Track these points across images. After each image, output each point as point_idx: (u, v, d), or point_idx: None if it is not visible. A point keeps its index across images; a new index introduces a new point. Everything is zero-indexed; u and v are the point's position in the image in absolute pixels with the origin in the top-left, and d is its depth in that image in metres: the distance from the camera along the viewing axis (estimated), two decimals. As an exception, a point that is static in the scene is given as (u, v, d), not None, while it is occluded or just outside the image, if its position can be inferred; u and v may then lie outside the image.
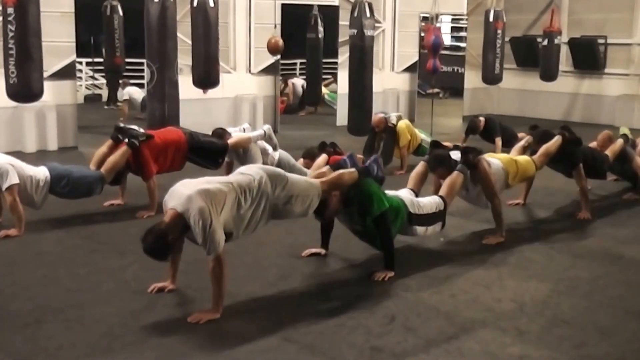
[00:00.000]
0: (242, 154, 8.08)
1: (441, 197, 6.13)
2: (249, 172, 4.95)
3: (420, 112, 15.38)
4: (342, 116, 12.40)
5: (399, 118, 10.00)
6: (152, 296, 4.97)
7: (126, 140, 7.17)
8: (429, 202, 6.03)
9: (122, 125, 7.44)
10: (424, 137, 10.35)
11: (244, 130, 8.45)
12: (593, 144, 8.63)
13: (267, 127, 8.52)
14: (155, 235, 4.47)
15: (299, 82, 16.83)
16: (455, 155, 6.50)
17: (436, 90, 15.89)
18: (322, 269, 5.74)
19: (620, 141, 8.43)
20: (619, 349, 4.37)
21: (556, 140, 7.36)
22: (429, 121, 12.68)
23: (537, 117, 16.03)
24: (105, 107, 15.24)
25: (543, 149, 7.31)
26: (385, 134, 9.87)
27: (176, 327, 4.48)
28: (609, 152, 8.23)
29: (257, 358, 4.14)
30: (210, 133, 8.17)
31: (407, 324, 4.64)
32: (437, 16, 13.61)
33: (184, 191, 4.59)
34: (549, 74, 15.17)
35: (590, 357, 4.26)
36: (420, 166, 6.53)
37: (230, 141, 7.96)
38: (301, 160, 8.92)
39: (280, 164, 8.33)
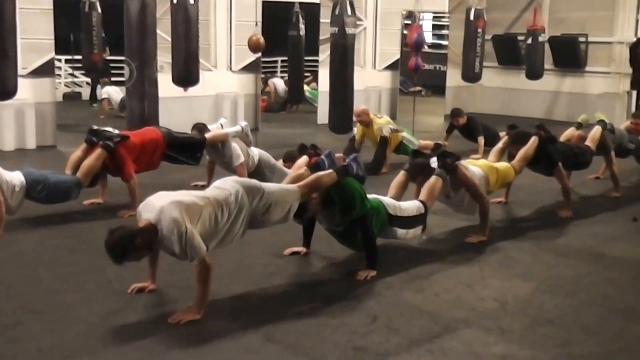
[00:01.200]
0: (220, 149, 8.06)
1: (421, 201, 6.14)
2: (225, 187, 4.92)
3: (402, 110, 15.40)
4: (323, 114, 12.38)
5: (394, 131, 9.92)
6: (133, 296, 4.93)
7: (101, 142, 7.11)
8: (410, 206, 6.04)
9: (95, 127, 7.36)
10: (404, 134, 10.35)
11: (222, 125, 8.43)
12: (569, 132, 8.66)
13: (244, 124, 8.52)
14: (124, 231, 4.44)
15: (280, 82, 16.83)
16: (435, 163, 6.48)
17: (418, 88, 15.92)
18: (304, 268, 5.73)
19: (597, 129, 8.42)
20: (603, 347, 4.38)
21: (532, 142, 7.36)
22: (411, 119, 12.68)
23: (520, 116, 16.08)
24: (94, 105, 15.19)
25: (521, 153, 7.31)
26: (378, 143, 9.84)
27: (157, 327, 4.44)
28: (589, 142, 8.24)
29: (239, 358, 4.12)
30: (190, 131, 8.16)
31: (390, 323, 4.62)
32: (419, 14, 13.61)
33: (158, 203, 4.58)
34: (534, 72, 15.21)
35: (574, 356, 4.26)
36: (400, 175, 6.52)
37: (207, 135, 7.96)
38: (281, 162, 8.92)
39: (260, 164, 8.32)
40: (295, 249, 5.94)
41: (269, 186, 5.11)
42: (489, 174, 6.90)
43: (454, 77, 16.22)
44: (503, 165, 7.26)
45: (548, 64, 15.95)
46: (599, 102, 15.29)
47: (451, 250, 6.26)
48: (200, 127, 8.13)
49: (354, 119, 10.04)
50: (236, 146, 8.08)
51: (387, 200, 5.92)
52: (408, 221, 5.93)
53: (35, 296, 4.98)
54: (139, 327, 4.48)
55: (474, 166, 6.90)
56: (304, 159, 8.70)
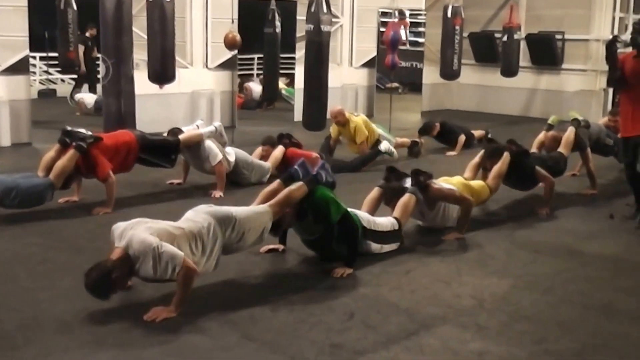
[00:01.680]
0: (196, 150, 8.04)
1: (395, 218, 6.16)
2: (197, 219, 4.90)
3: (379, 107, 15.44)
4: (300, 111, 12.37)
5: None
6: (108, 295, 4.90)
7: (73, 143, 7.06)
8: (384, 221, 6.06)
9: (69, 128, 7.31)
10: (381, 132, 10.38)
11: (198, 127, 8.42)
12: (540, 137, 8.69)
13: (217, 124, 8.52)
14: (99, 271, 4.46)
15: (256, 86, 16.80)
16: (408, 182, 6.50)
17: (395, 85, 15.97)
18: (280, 265, 5.72)
19: (571, 130, 8.46)
20: (579, 343, 4.41)
21: (505, 158, 7.40)
22: (388, 116, 12.71)
23: (496, 113, 16.22)
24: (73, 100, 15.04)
25: (495, 171, 7.34)
26: (369, 153, 9.87)
27: (133, 325, 4.42)
28: (562, 148, 8.29)
29: (216, 356, 4.11)
30: (166, 131, 8.16)
31: (367, 320, 4.63)
32: (400, 12, 13.64)
33: (130, 231, 4.60)
34: (510, 70, 15.29)
35: (550, 352, 4.29)
36: (375, 192, 6.53)
37: (181, 137, 7.94)
38: (259, 149, 8.97)
39: (237, 164, 8.32)
40: (272, 246, 5.93)
41: (240, 214, 5.06)
42: (462, 192, 6.90)
43: (430, 75, 16.30)
44: (478, 183, 7.25)
45: (525, 61, 16.07)
46: (576, 100, 15.45)
47: (428, 247, 6.28)
48: (175, 131, 8.13)
49: (331, 119, 10.06)
50: (212, 145, 8.06)
51: (361, 213, 5.95)
52: (382, 236, 5.96)
53: (10, 294, 4.94)
54: (114, 324, 4.45)
55: (448, 184, 6.89)
56: (279, 151, 8.84)
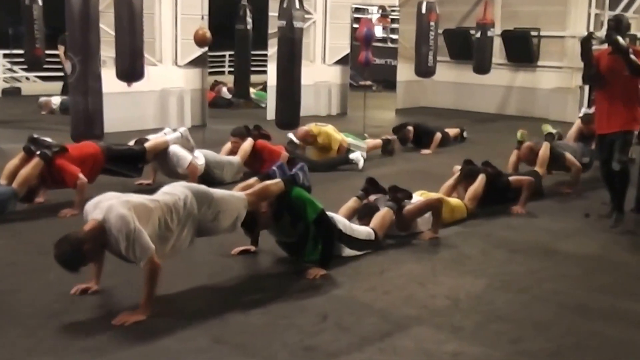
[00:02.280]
0: (163, 157, 8.04)
1: (372, 229, 6.21)
2: (174, 192, 4.93)
3: (353, 105, 15.48)
4: (272, 110, 12.37)
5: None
6: (75, 297, 4.88)
7: (38, 152, 7.03)
8: (361, 229, 6.11)
9: (35, 136, 7.29)
10: (351, 140, 10.36)
11: (165, 134, 8.45)
12: (512, 159, 8.75)
13: (183, 129, 8.53)
14: (70, 242, 4.42)
15: (226, 90, 16.78)
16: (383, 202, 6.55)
17: (368, 82, 16.00)
18: (252, 267, 5.73)
19: (545, 146, 8.57)
20: (555, 343, 4.47)
21: (481, 179, 7.49)
22: (362, 114, 12.74)
23: (472, 110, 16.33)
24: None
25: (471, 193, 7.43)
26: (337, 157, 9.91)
27: (101, 329, 4.41)
28: (538, 167, 8.39)
29: (187, 359, 4.11)
30: (133, 139, 8.22)
31: (340, 322, 4.65)
32: (382, 9, 13.66)
33: (106, 202, 4.57)
34: (482, 67, 15.39)
35: (525, 352, 4.34)
36: (351, 201, 6.61)
37: (147, 145, 7.97)
38: (228, 143, 9.01)
39: (207, 166, 8.34)
40: (243, 247, 5.94)
41: (217, 193, 5.13)
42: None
43: (404, 72, 16.35)
44: (456, 202, 7.32)
45: (500, 58, 16.19)
46: (551, 97, 15.60)
47: (403, 247, 6.32)
48: (140, 140, 8.15)
49: (298, 141, 10.06)
50: (179, 149, 8.09)
51: (338, 217, 5.99)
52: (358, 243, 5.99)
53: (-27, 299, 4.90)
54: (82, 329, 4.43)
55: (424, 198, 6.94)
56: (248, 143, 8.89)
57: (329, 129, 10.08)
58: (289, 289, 5.24)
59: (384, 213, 6.34)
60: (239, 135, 9.08)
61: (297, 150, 9.83)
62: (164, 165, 8.14)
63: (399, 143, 11.24)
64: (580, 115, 9.50)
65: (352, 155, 9.74)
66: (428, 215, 6.67)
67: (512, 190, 7.74)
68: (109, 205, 4.51)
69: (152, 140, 8.12)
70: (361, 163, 9.64)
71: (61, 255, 4.41)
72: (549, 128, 9.13)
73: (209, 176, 8.32)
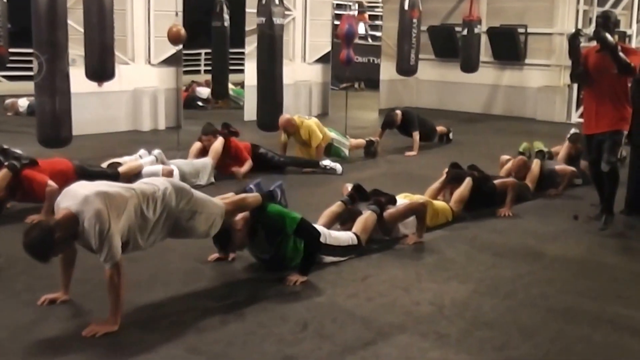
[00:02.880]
0: (135, 180, 8.07)
1: (354, 233, 6.25)
2: (154, 182, 4.96)
3: (334, 105, 15.52)
4: (250, 110, 12.40)
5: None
6: (43, 308, 4.86)
7: (6, 163, 7.04)
8: (342, 235, 6.15)
9: (5, 147, 7.30)
10: (334, 135, 10.42)
11: (140, 157, 8.50)
12: (506, 169, 8.82)
13: (157, 152, 8.57)
14: (40, 229, 4.38)
15: (204, 90, 16.75)
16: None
17: (349, 84, 16.05)
18: (229, 275, 5.73)
19: (536, 163, 8.67)
20: (542, 349, 4.51)
21: (467, 183, 7.57)
22: (344, 114, 12.77)
23: (457, 110, 16.43)
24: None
25: (457, 195, 7.51)
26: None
27: (70, 341, 4.39)
28: (528, 181, 8.48)
29: (160, 372, 4.12)
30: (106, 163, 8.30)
31: (321, 330, 4.68)
32: (359, 4, 13.69)
33: (81, 191, 4.53)
34: (469, 65, 15.46)
35: (512, 359, 4.38)
36: (335, 206, 6.63)
37: (121, 170, 8.02)
38: (196, 144, 9.06)
39: (183, 177, 8.38)
40: (219, 254, 5.94)
41: (197, 193, 5.16)
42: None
43: (388, 70, 16.40)
44: (441, 204, 7.39)
45: (487, 56, 16.28)
46: (539, 96, 15.71)
47: (386, 252, 6.36)
48: (114, 165, 8.22)
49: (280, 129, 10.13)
50: (151, 168, 8.22)
51: (318, 227, 5.98)
52: (339, 250, 6.03)
53: (-64, 310, 4.88)
54: (51, 341, 4.42)
55: (408, 200, 7.00)
56: (219, 142, 8.94)
57: (312, 122, 10.11)
58: (267, 296, 5.24)
59: (366, 216, 6.39)
60: (211, 134, 9.17)
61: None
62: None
63: (383, 127, 11.37)
64: (569, 135, 9.58)
65: (326, 162, 9.75)
66: (412, 218, 6.71)
67: (498, 194, 7.81)
68: (84, 196, 4.47)
69: (126, 164, 8.21)
70: (339, 168, 9.65)
71: (30, 242, 4.35)
72: (540, 145, 9.25)
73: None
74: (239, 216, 5.46)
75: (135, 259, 5.20)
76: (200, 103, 16.34)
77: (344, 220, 6.51)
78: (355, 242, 6.17)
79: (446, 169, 7.93)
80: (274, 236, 5.58)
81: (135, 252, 4.85)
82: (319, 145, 10.00)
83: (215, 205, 5.24)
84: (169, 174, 8.09)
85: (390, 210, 6.60)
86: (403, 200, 6.96)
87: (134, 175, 8.05)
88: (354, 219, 6.42)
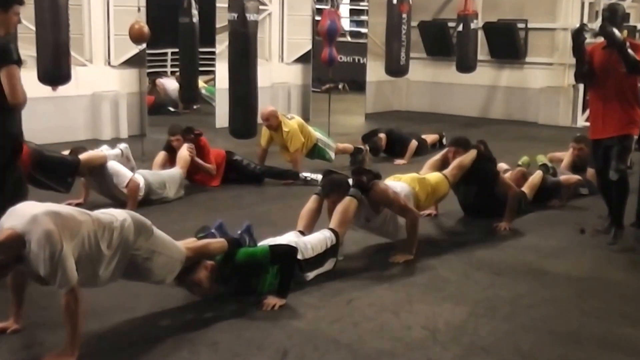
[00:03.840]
0: (99, 174, 8.07)
1: (332, 229, 6.26)
2: (112, 213, 4.94)
3: (316, 109, 15.55)
4: (222, 116, 12.42)
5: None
6: (-8, 339, 4.86)
7: None
8: (318, 240, 6.15)
9: None
10: (319, 136, 10.46)
11: (121, 151, 8.53)
12: (507, 175, 8.87)
13: (123, 146, 8.55)
14: None
15: (170, 82, 16.74)
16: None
17: (332, 85, 16.09)
18: (201, 299, 5.73)
19: (538, 174, 8.73)
20: (544, 376, 4.57)
21: (470, 153, 7.64)
22: (327, 120, 12.81)
23: (452, 114, 16.50)
24: None
25: (457, 162, 7.56)
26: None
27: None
28: (526, 188, 8.49)
29: (123, 407, 4.12)
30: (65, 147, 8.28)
31: (303, 359, 4.69)
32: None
33: (29, 210, 4.49)
34: (466, 64, 15.53)
35: (511, 387, 4.44)
36: (311, 202, 6.64)
37: (82, 157, 7.98)
38: (161, 154, 9.08)
39: (149, 188, 8.39)
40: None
41: (158, 231, 5.14)
42: (417, 189, 7.07)
43: (375, 71, 16.45)
44: (434, 176, 7.43)
45: (483, 54, 16.36)
46: (541, 98, 15.80)
47: (373, 272, 6.38)
48: (76, 150, 8.17)
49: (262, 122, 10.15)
50: (118, 166, 8.20)
51: (293, 241, 6.01)
52: (317, 260, 6.07)
53: None
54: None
55: (399, 182, 7.06)
56: (185, 152, 8.82)
57: (294, 124, 10.10)
58: (242, 322, 5.26)
59: (346, 204, 6.36)
60: (180, 133, 9.19)
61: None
62: (99, 182, 8.16)
63: (370, 153, 11.37)
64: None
65: (306, 173, 9.80)
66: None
67: (495, 192, 7.82)
68: (32, 215, 4.42)
69: (89, 153, 8.15)
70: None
71: None
72: (543, 159, 9.34)
73: (151, 197, 8.39)
74: (201, 269, 5.44)
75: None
76: (171, 108, 16.33)
77: (327, 192, 6.52)
78: (334, 241, 6.17)
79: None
80: (248, 279, 5.65)
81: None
82: (297, 151, 10.01)
83: (176, 248, 5.23)
84: (135, 187, 8.09)
85: (382, 186, 6.60)
86: (393, 182, 6.97)
87: (97, 167, 8.04)
88: (339, 191, 6.45)
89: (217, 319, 5.33)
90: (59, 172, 7.81)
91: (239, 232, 5.86)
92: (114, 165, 8.16)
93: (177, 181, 8.82)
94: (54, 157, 7.83)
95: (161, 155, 9.26)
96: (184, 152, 9.06)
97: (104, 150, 8.47)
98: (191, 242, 5.61)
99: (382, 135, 11.57)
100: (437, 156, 7.88)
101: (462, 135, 7.96)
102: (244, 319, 5.32)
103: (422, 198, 7.12)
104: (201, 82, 16.55)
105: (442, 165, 7.82)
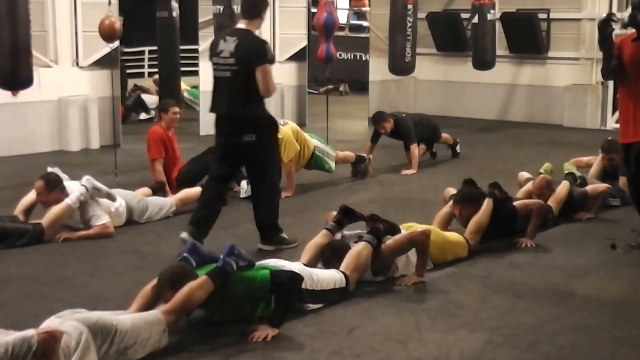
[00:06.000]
0: (75, 217, 8.13)
1: (343, 273, 6.28)
2: (65, 329, 4.82)
3: (313, 113, 15.57)
4: (207, 122, 12.37)
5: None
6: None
7: None
8: (327, 277, 6.18)
9: None
10: (317, 143, 10.43)
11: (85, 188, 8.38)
12: (525, 190, 8.90)
13: (85, 180, 8.35)
14: None
15: (150, 99, 16.79)
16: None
17: (331, 86, 16.09)
18: (187, 329, 5.71)
19: (564, 185, 8.73)
20: (572, 412, 4.56)
21: (486, 206, 7.60)
22: (324, 125, 12.80)
23: (466, 117, 16.50)
24: None
25: (473, 224, 7.53)
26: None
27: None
28: (552, 202, 8.51)
29: None
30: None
31: (297, 396, 4.71)
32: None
33: None
34: (483, 60, 15.51)
35: None
36: (321, 236, 6.72)
37: (45, 222, 7.91)
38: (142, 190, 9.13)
39: (131, 212, 8.47)
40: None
41: (123, 324, 5.05)
42: (432, 244, 6.96)
43: (379, 69, 16.46)
44: (455, 236, 7.41)
45: (501, 49, 16.35)
46: (567, 97, 15.81)
47: (377, 296, 6.37)
48: (24, 209, 8.16)
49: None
50: (93, 205, 8.18)
51: (299, 269, 6.02)
52: (322, 295, 6.08)
53: None
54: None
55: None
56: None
57: (288, 130, 10.05)
58: (229, 355, 5.25)
59: (359, 249, 6.42)
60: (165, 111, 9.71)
61: None
62: (76, 222, 8.18)
63: (373, 139, 11.57)
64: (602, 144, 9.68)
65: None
66: (412, 253, 6.75)
67: (517, 220, 7.85)
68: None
69: (49, 215, 7.98)
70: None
71: None
72: (570, 167, 9.34)
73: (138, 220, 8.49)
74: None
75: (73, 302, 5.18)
76: (143, 114, 16.36)
77: (327, 259, 6.53)
78: (343, 284, 6.21)
79: (451, 189, 7.96)
80: (240, 307, 5.65)
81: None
82: (290, 162, 9.98)
83: (151, 325, 5.18)
84: (104, 230, 8.08)
85: (387, 242, 6.63)
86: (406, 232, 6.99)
87: (62, 220, 8.02)
88: (340, 256, 6.45)
89: (202, 350, 5.32)
90: (22, 242, 7.77)
91: (222, 256, 5.59)
92: (91, 208, 8.12)
93: (165, 211, 8.87)
94: (9, 229, 7.76)
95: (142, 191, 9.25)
96: (160, 167, 9.23)
97: (67, 189, 8.35)
98: (167, 305, 5.43)
99: (390, 120, 11.58)
100: (446, 209, 7.83)
101: (466, 189, 7.88)
102: (233, 350, 5.30)
103: (436, 253, 7.05)
104: (184, 85, 16.57)
105: (451, 218, 7.83)
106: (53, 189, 8.00)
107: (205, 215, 7.62)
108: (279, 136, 9.91)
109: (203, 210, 7.67)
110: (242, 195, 9.63)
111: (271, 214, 7.68)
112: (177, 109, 10.07)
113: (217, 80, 7.59)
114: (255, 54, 7.44)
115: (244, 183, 9.66)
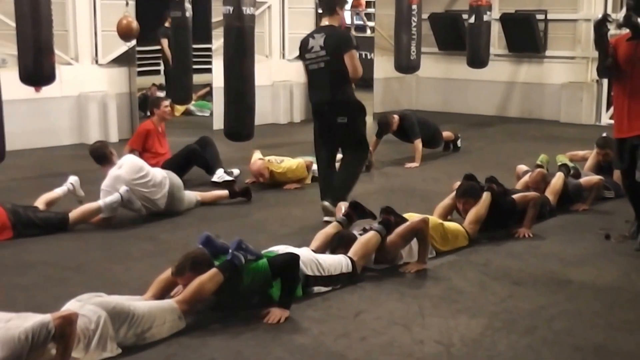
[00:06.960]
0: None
1: (350, 258, 6.30)
2: (83, 312, 4.88)
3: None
4: (220, 116, 12.39)
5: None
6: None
7: None
8: (333, 262, 6.21)
9: None
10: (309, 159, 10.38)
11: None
12: (522, 182, 8.92)
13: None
14: None
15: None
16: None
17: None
18: (195, 313, 5.70)
19: (559, 176, 8.73)
20: (567, 394, 4.56)
21: (485, 199, 7.61)
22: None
23: (466, 112, 16.49)
24: None
25: (472, 215, 7.54)
26: None
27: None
28: (549, 193, 8.53)
29: None
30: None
31: (305, 378, 4.71)
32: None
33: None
34: (478, 59, 15.47)
35: (532, 406, 4.43)
36: (331, 227, 6.78)
37: (72, 215, 7.88)
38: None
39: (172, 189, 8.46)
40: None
41: (140, 308, 5.12)
42: (434, 233, 7.04)
43: (383, 67, 16.45)
44: (454, 226, 7.42)
45: (500, 48, 16.36)
46: (563, 94, 15.79)
47: (382, 283, 6.38)
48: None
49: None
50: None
51: (304, 256, 6.04)
52: (328, 280, 6.11)
53: None
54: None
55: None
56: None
57: (287, 165, 10.06)
58: (241, 339, 5.25)
59: (369, 237, 6.45)
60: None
61: None
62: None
63: (378, 134, 11.57)
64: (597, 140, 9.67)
65: (219, 174, 9.93)
66: (414, 242, 6.76)
67: (517, 211, 7.86)
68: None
69: (79, 210, 7.96)
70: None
71: None
72: (563, 159, 9.33)
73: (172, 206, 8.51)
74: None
75: (93, 286, 5.19)
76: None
77: (334, 247, 6.55)
78: (350, 268, 6.23)
79: (457, 182, 7.97)
80: (250, 298, 5.70)
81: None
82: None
83: (166, 312, 5.24)
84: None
85: (389, 236, 6.64)
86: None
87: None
88: (347, 247, 6.47)
89: (215, 333, 5.33)
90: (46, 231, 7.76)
91: (230, 250, 5.65)
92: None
93: (191, 202, 8.85)
94: (36, 219, 7.73)
95: None
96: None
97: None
98: (179, 292, 5.56)
99: (395, 116, 11.60)
100: (447, 200, 7.84)
101: (468, 183, 7.88)
102: (243, 335, 5.30)
103: (437, 242, 7.10)
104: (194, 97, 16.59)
105: (452, 210, 7.86)
106: None
107: (329, 182, 8.33)
108: (279, 171, 9.95)
109: (324, 181, 8.40)
110: (214, 179, 9.84)
111: (346, 187, 8.31)
112: (167, 103, 10.22)
113: (312, 72, 8.43)
114: (342, 42, 8.23)
115: (220, 170, 9.84)
